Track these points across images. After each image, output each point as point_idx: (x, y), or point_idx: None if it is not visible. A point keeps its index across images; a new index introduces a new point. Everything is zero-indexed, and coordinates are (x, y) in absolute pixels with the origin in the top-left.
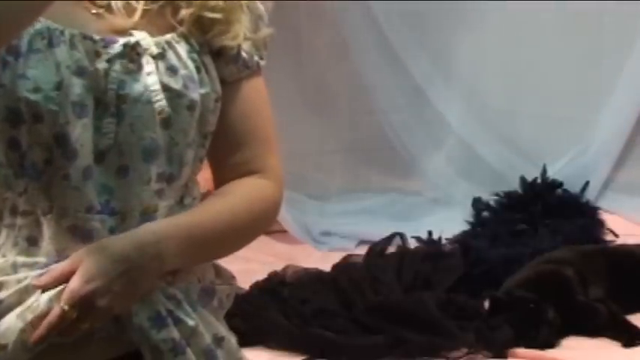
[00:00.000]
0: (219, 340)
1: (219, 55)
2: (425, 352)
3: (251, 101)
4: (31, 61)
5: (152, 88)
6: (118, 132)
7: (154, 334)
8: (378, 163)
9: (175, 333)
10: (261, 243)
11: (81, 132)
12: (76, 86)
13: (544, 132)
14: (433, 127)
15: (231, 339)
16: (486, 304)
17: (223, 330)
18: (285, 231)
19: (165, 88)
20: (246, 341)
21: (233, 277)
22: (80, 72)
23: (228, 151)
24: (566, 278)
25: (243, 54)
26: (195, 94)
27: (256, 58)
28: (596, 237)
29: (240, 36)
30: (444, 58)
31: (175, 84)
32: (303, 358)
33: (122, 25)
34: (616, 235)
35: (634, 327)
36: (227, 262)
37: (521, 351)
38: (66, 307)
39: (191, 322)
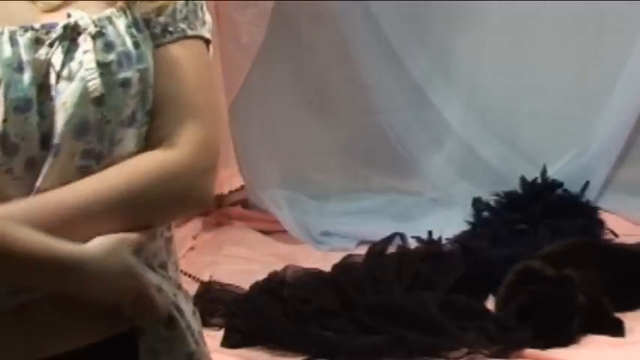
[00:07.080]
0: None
1: (148, 25)
2: (425, 352)
3: (174, 66)
4: None
5: (87, 67)
6: (53, 112)
7: None
8: (378, 163)
9: None
10: (261, 243)
11: (22, 126)
12: (18, 82)
13: (544, 132)
14: (433, 127)
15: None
16: (488, 304)
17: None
18: (285, 231)
19: (100, 65)
20: (246, 341)
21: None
22: (21, 67)
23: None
24: (537, 271)
25: (164, 18)
26: (130, 71)
27: (182, 25)
28: (595, 237)
29: None
30: (444, 58)
31: (110, 61)
32: (303, 358)
33: (56, 4)
34: (616, 235)
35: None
36: (228, 262)
37: (523, 351)
38: None
39: None
